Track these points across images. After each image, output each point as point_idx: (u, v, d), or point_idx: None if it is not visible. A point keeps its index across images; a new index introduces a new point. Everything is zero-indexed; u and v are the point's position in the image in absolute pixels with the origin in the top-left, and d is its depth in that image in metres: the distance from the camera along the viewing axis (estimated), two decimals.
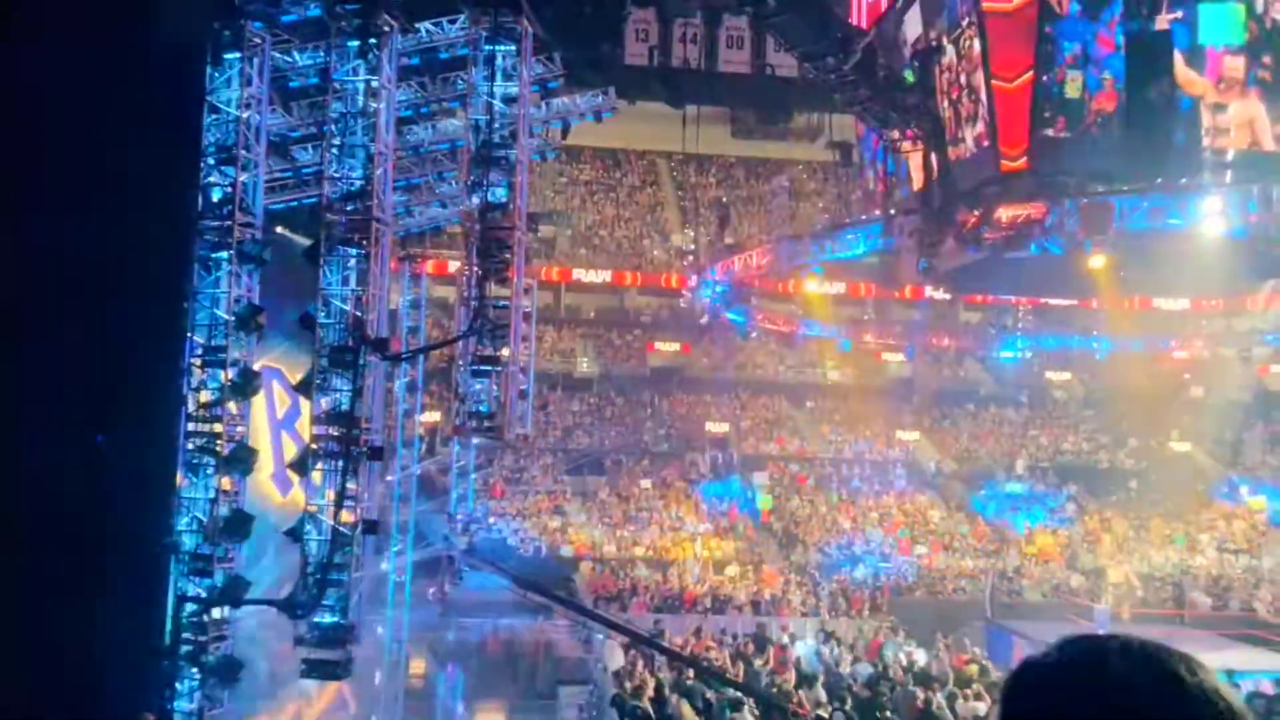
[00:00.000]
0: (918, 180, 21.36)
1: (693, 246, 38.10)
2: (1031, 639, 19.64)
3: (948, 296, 33.15)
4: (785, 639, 19.62)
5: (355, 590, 12.46)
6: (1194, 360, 33.86)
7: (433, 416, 25.34)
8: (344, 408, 11.57)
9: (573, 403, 34.98)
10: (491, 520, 26.82)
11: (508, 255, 12.43)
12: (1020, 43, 18.83)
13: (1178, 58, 17.92)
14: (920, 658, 18.71)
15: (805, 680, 15.80)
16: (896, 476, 33.68)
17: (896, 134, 20.55)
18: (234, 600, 11.41)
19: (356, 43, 11.94)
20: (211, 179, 11.73)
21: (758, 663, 17.55)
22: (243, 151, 11.76)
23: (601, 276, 37.15)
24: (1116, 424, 35.81)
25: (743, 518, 30.59)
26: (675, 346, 36.21)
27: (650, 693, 14.03)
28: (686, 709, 13.34)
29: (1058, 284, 26.16)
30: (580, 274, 36.87)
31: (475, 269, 12.56)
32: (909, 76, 20.99)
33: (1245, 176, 17.99)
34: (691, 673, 16.03)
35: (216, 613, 11.28)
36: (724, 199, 39.72)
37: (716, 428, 34.66)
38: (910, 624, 22.36)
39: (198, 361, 11.50)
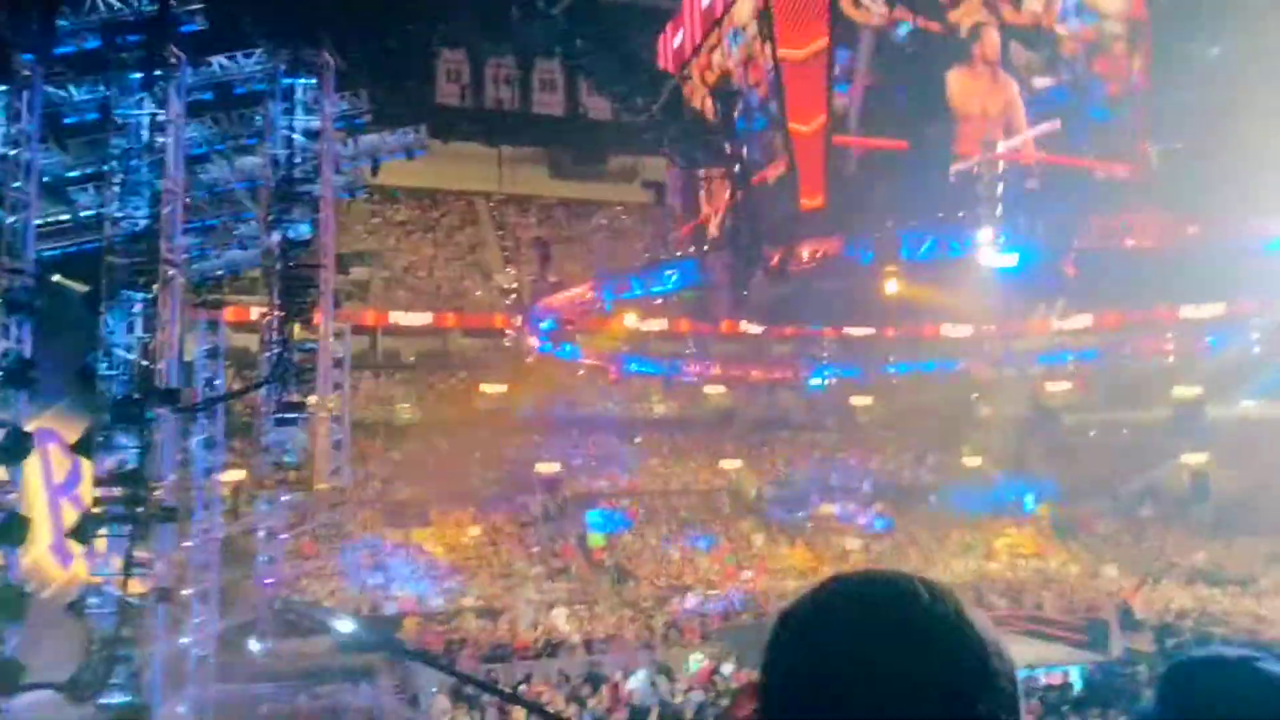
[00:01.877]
0: (726, 218, 22.34)
1: (515, 285, 37.98)
2: None
3: (760, 330, 34.63)
4: (618, 675, 19.57)
5: (149, 667, 11.39)
6: (980, 380, 36.93)
7: (237, 474, 23.74)
8: (130, 467, 10.63)
9: (394, 452, 33.78)
10: (304, 582, 25.35)
11: (313, 296, 11.89)
12: (814, 88, 20.21)
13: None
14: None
15: (638, 715, 15.79)
16: (721, 505, 34.60)
17: (704, 174, 21.43)
18: (7, 687, 10.18)
19: (140, 76, 11.19)
20: None
21: (591, 702, 17.40)
22: (10, 192, 10.72)
23: (421, 319, 36.28)
24: (916, 443, 38.35)
25: (575, 556, 30.45)
26: (502, 388, 35.78)
27: None
28: None
29: (857, 314, 27.97)
30: (398, 317, 35.85)
31: (278, 312, 11.94)
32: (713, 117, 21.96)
33: (1014, 209, 19.96)
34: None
35: None
36: (543, 238, 39.90)
37: (546, 468, 34.42)
38: (741, 649, 22.85)
39: None
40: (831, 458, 38.17)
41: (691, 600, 27.52)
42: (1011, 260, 19.29)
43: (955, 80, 21.25)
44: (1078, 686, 18.85)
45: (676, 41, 26.07)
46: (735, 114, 20.74)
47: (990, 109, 21.47)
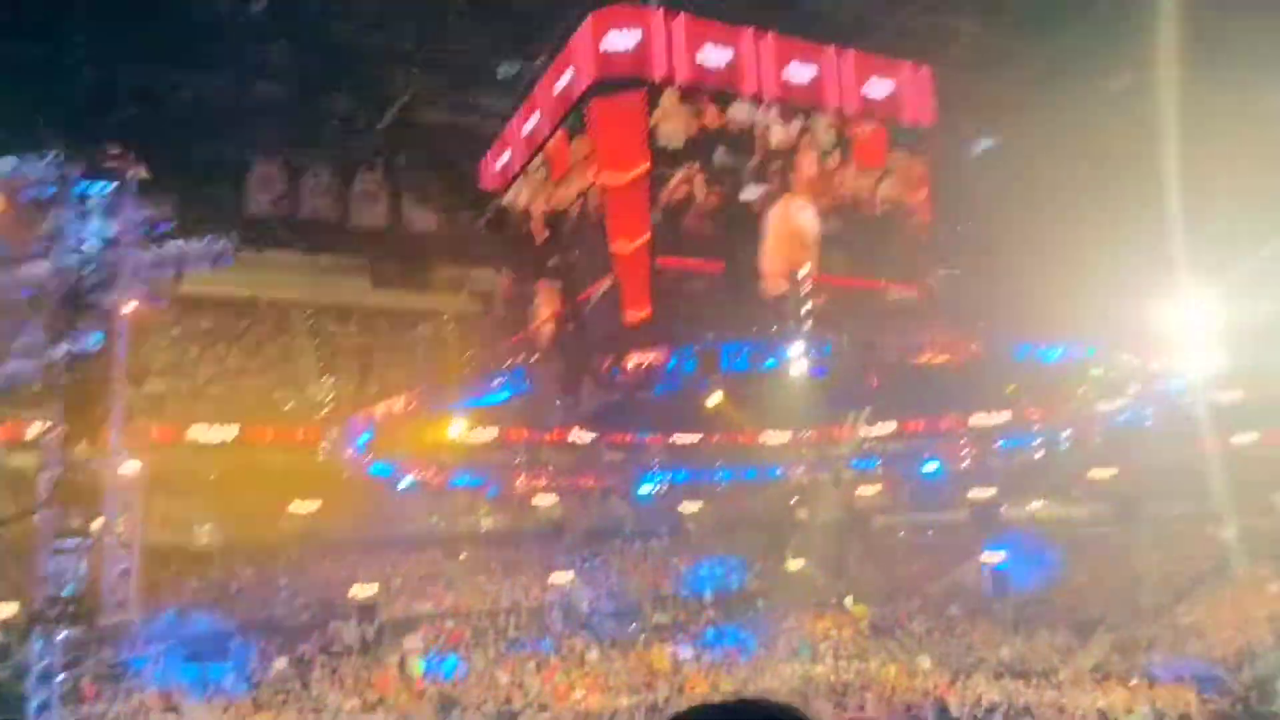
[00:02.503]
0: (555, 328, 22.59)
1: (331, 396, 36.43)
2: None
3: (590, 438, 34.70)
4: None
5: None
6: (798, 485, 38.38)
7: (7, 609, 21.03)
8: None
9: (191, 579, 30.96)
10: None
11: (100, 412, 10.93)
12: (636, 211, 21.06)
13: None
14: None
15: None
16: (553, 621, 33.67)
17: (530, 286, 21.77)
18: None
19: None
20: None
21: None
22: None
23: (225, 433, 33.91)
24: (743, 548, 39.08)
25: (394, 686, 28.56)
26: (314, 506, 33.74)
27: None
28: None
29: (683, 421, 28.63)
30: (199, 431, 33.36)
31: (60, 429, 10.87)
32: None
33: (823, 324, 21.31)
34: None
35: None
36: (365, 346, 38.73)
37: (363, 590, 32.43)
38: None
39: None
40: (664, 565, 38.20)
41: None
42: (820, 372, 20.48)
43: (766, 205, 22.75)
44: None
45: (500, 163, 26.62)
46: (563, 231, 21.27)
47: (796, 233, 23.03)
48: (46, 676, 18.34)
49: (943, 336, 21.86)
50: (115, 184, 11.58)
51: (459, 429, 30.49)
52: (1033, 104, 24.64)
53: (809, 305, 20.67)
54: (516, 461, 36.93)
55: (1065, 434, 32.70)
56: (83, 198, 11.38)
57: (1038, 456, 33.98)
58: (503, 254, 22.21)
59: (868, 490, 39.87)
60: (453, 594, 34.14)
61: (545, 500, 37.37)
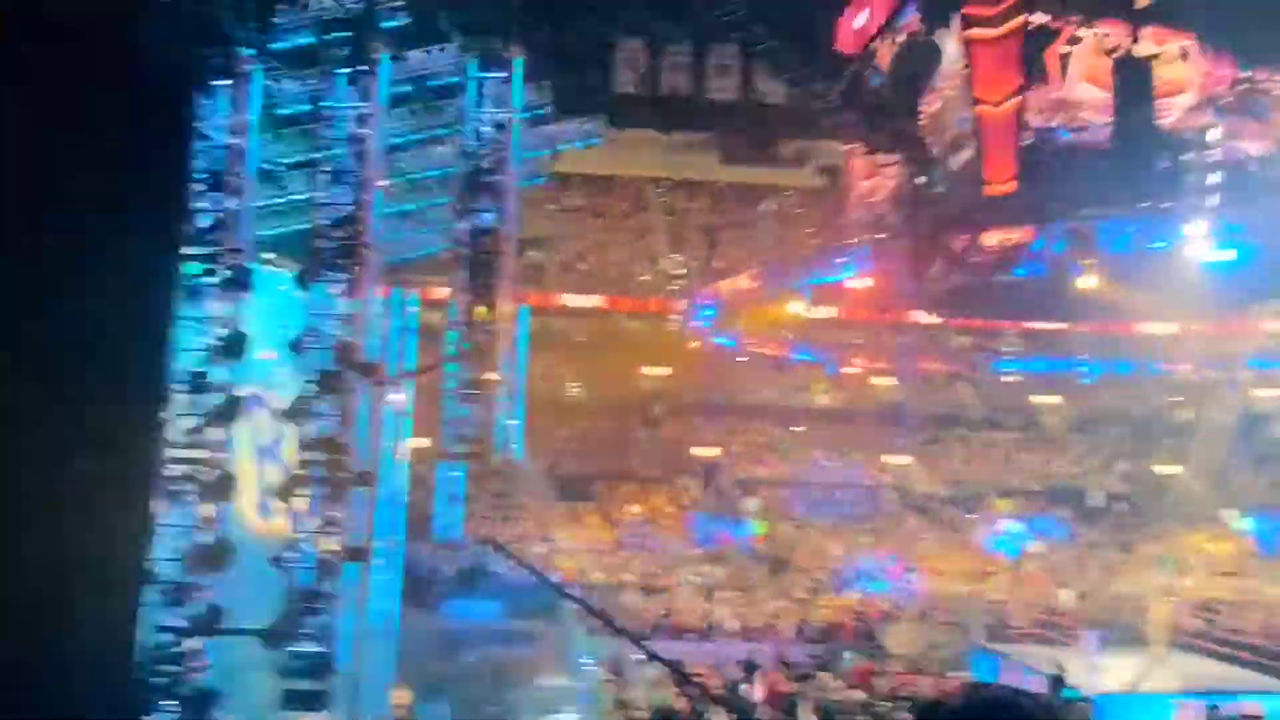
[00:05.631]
0: (906, 205, 21.52)
1: (682, 271, 38.15)
2: (1019, 662, 19.69)
3: (937, 320, 33.23)
4: (775, 666, 19.49)
5: (339, 620, 12.29)
6: (1181, 384, 34.07)
7: (421, 442, 25.12)
8: (330, 434, 11.48)
9: (561, 428, 34.82)
10: (476, 548, 26.52)
11: (496, 280, 12.43)
12: (1006, 68, 18.99)
13: None
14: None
15: (795, 708, 15.68)
16: (887, 501, 33.64)
17: (884, 159, 20.73)
18: (211, 630, 11.25)
19: (347, 70, 11.98)
20: (200, 205, 11.69)
21: (746, 689, 17.41)
22: (231, 178, 11.74)
23: (591, 302, 37.10)
24: (1104, 448, 35.88)
25: (734, 543, 30.46)
26: (665, 371, 36.13)
27: None
28: None
29: (1045, 308, 26.36)
30: (570, 299, 36.82)
31: (463, 294, 12.55)
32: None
33: (1229, 199, 18.19)
34: (683, 702, 15.90)
35: (194, 643, 11.10)
36: (712, 224, 39.82)
37: (706, 452, 34.54)
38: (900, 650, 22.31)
39: (181, 387, 11.39)
40: (1010, 459, 36.30)
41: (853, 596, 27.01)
42: (1228, 255, 17.62)
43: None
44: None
45: (858, 22, 25.18)
46: (919, 98, 19.90)
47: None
48: (452, 500, 21.95)
49: None
50: (504, 73, 12.73)
51: (800, 306, 30.67)
52: None
53: (1213, 178, 17.69)
54: (856, 341, 36.52)
55: None
56: (478, 86, 12.67)
57: None
58: (854, 126, 21.29)
59: (1266, 393, 34.39)
60: (788, 465, 35.20)
61: (884, 381, 36.73)
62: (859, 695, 17.59)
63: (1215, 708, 17.28)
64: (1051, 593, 28.02)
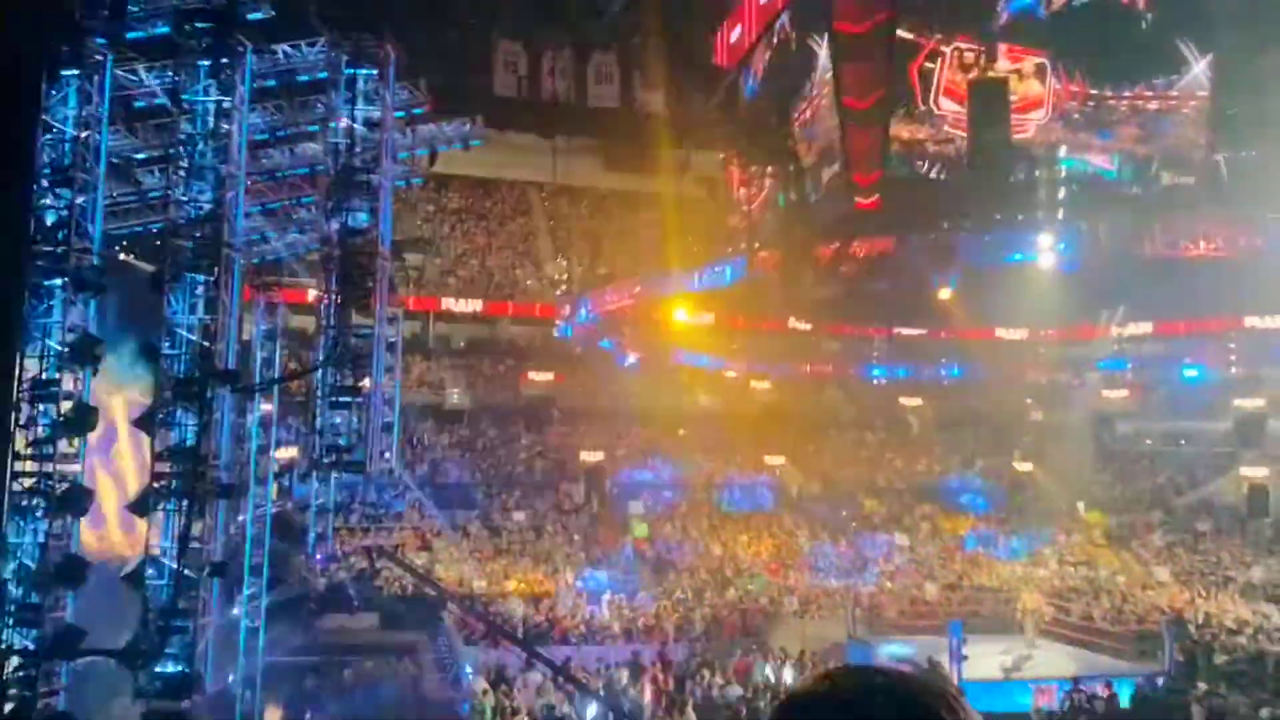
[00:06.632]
0: (779, 215, 22.22)
1: (565, 276, 38.14)
2: (890, 653, 20.45)
3: (808, 327, 34.35)
4: (655, 666, 19.68)
5: (202, 637, 11.76)
6: (1034, 386, 36.22)
7: (289, 452, 24.25)
8: (189, 443, 10.96)
9: (442, 435, 34.23)
10: (352, 560, 25.79)
11: (370, 282, 12.14)
12: (872, 78, 19.84)
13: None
14: (788, 677, 19.10)
15: (676, 705, 15.87)
16: (764, 500, 34.47)
17: (758, 170, 21.33)
18: (66, 652, 10.57)
19: (208, 62, 11.49)
20: (45, 201, 10.97)
21: (632, 690, 17.52)
22: (80, 173, 11.07)
23: (473, 306, 36.67)
24: (965, 447, 37.75)
25: (617, 546, 30.59)
26: (549, 376, 36.04)
27: None
28: None
29: (909, 314, 27.63)
30: (450, 303, 36.28)
31: (335, 297, 12.21)
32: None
33: (1077, 211, 19.52)
34: (567, 708, 15.87)
35: (47, 665, 10.41)
36: (596, 230, 40.01)
37: (591, 457, 34.59)
38: (779, 645, 22.87)
39: (27, 396, 10.67)
40: (878, 458, 37.74)
41: (731, 594, 27.50)
42: (1071, 267, 18.90)
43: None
44: (1124, 699, 18.47)
45: (734, 36, 25.88)
46: (794, 112, 20.58)
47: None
48: (323, 511, 21.28)
49: (1221, 227, 19.43)
50: (378, 69, 12.48)
51: (681, 313, 31.21)
52: None
53: (1063, 191, 18.95)
54: (734, 347, 37.34)
55: None
56: (350, 82, 12.36)
57: None
58: (729, 137, 21.83)
59: (1114, 394, 36.99)
60: (670, 467, 35.58)
61: (761, 385, 37.68)
62: (738, 691, 17.94)
63: (1070, 690, 18.43)
64: (919, 585, 29.28)
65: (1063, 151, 20.80)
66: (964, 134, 19.84)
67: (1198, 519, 33.61)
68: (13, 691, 10.14)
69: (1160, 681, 19.60)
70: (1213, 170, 21.77)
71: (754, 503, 34.26)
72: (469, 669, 19.52)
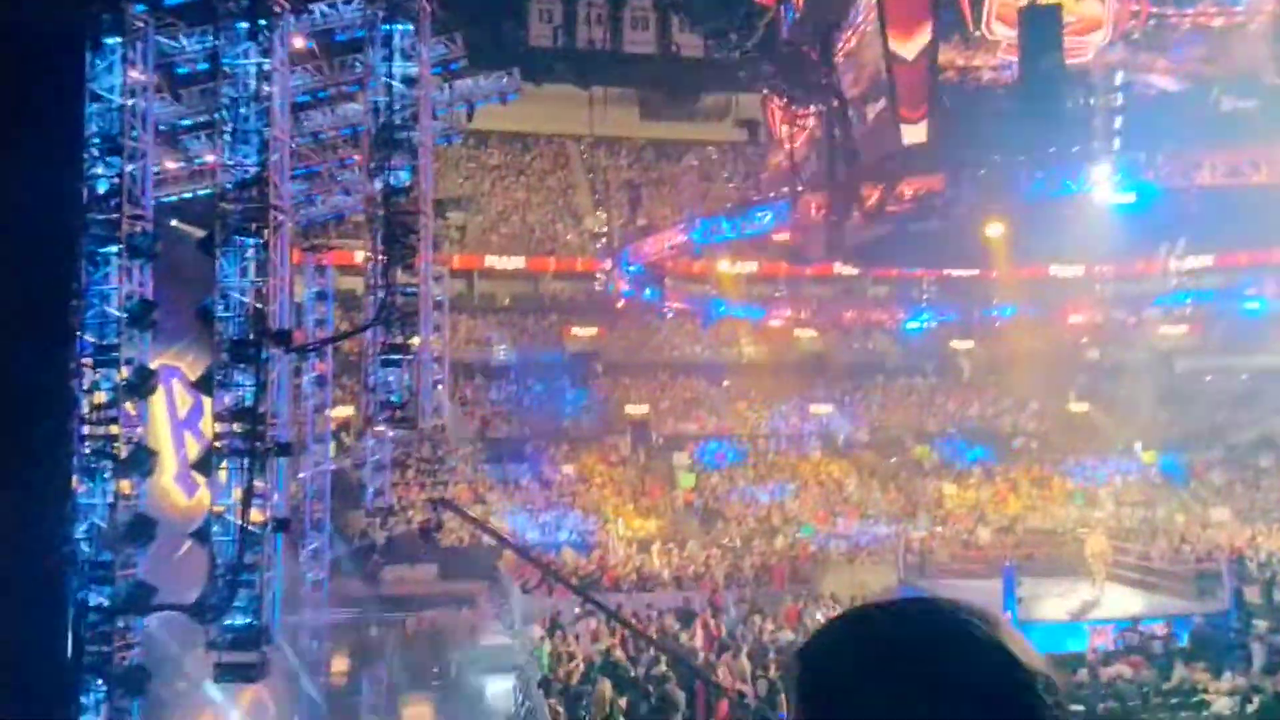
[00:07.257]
0: (822, 156, 21.74)
1: (605, 229, 38.00)
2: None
3: (855, 272, 33.85)
4: (708, 612, 19.90)
5: (268, 590, 12.12)
6: (1090, 325, 35.42)
7: (345, 411, 24.73)
8: (247, 404, 11.19)
9: (490, 391, 34.62)
10: (411, 514, 26.36)
11: (414, 241, 12.18)
12: (917, 8, 19.12)
13: None
14: None
15: (729, 650, 16.05)
16: (811, 449, 34.42)
17: (800, 110, 20.83)
18: (138, 608, 10.98)
19: (246, 25, 11.48)
20: (96, 170, 11.15)
21: (683, 637, 17.76)
22: (129, 141, 11.20)
23: (515, 263, 36.77)
24: (1018, 389, 37.17)
25: (665, 497, 30.85)
26: (592, 330, 36.13)
27: (578, 676, 14.08)
28: (607, 687, 13.42)
29: (958, 255, 27.03)
30: (493, 260, 36.41)
31: (381, 256, 12.29)
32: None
33: (1136, 141, 18.72)
34: (620, 653, 16.15)
35: (121, 621, 10.83)
36: (633, 181, 39.68)
37: (636, 410, 34.76)
38: (829, 591, 22.97)
39: (89, 361, 10.96)
40: (929, 403, 37.37)
41: (780, 541, 27.63)
42: (1130, 198, 18.23)
43: None
44: (1182, 639, 18.28)
45: None
46: (835, 48, 20.00)
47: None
48: (379, 467, 21.72)
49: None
50: (413, 24, 12.37)
51: (724, 264, 30.96)
52: None
53: (1119, 121, 18.21)
54: (778, 294, 37.02)
55: None
56: (387, 39, 12.29)
57: None
58: (769, 76, 21.31)
59: (1172, 330, 36.00)
60: (715, 418, 35.65)
61: (806, 333, 37.39)
62: (789, 636, 18.08)
63: (1125, 629, 18.29)
64: (971, 530, 29.14)
65: (1119, 78, 19.91)
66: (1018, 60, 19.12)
67: (1259, 455, 32.88)
68: (91, 648, 10.57)
69: (1220, 621, 19.34)
70: (1276, 94, 20.79)
71: (801, 451, 34.23)
72: (526, 617, 19.93)
